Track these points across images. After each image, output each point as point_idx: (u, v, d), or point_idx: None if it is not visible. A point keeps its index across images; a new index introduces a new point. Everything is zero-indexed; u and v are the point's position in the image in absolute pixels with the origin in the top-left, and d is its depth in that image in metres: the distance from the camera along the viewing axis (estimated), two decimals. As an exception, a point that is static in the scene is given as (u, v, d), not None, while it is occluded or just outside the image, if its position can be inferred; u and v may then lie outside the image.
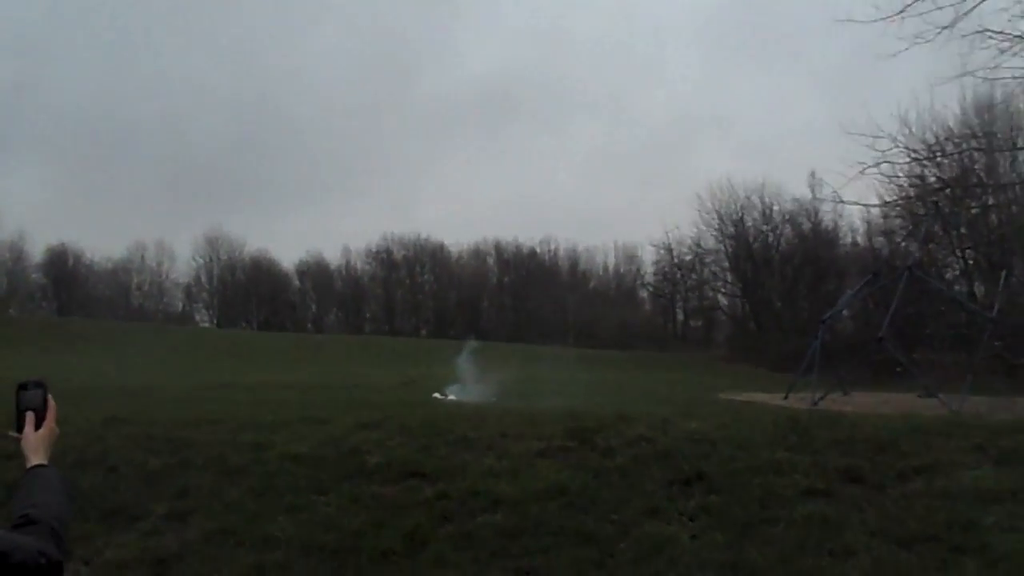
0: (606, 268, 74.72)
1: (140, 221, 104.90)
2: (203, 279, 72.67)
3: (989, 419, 9.92)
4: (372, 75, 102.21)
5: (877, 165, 19.90)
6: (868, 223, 48.60)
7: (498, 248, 73.91)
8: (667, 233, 63.68)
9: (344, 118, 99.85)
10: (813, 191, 51.35)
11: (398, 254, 73.31)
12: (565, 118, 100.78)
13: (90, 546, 6.41)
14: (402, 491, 7.21)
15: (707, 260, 61.30)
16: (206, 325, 71.23)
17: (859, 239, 52.52)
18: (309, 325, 72.09)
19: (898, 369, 24.18)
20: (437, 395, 20.50)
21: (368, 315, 74.78)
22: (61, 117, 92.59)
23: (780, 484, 6.89)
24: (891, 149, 20.99)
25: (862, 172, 19.58)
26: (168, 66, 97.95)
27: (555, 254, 74.34)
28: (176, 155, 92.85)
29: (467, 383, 21.88)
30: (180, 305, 74.04)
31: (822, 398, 20.72)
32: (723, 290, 62.54)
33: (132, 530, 6.75)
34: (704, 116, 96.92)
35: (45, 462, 2.10)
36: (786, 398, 21.56)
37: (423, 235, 73.40)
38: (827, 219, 54.18)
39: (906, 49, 14.94)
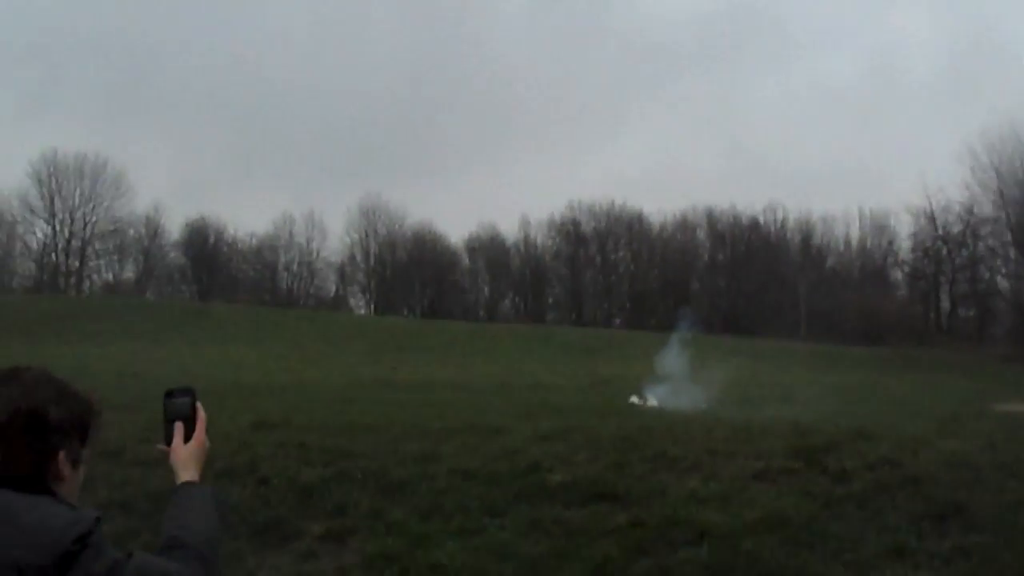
0: (848, 242, 72.57)
1: (288, 193, 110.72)
2: (358, 257, 75.74)
3: None
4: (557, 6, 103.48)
5: None
6: None
7: (711, 218, 73.07)
8: (929, 197, 61.32)
9: (523, 58, 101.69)
10: None
11: (587, 226, 73.87)
12: (796, 55, 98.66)
13: (240, 567, 7.01)
14: (589, 516, 7.46)
15: (983, 232, 59.05)
16: (362, 311, 74.23)
17: None
18: (481, 312, 73.71)
19: None
20: (634, 399, 20.70)
21: (551, 300, 75.90)
22: (201, 80, 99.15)
23: (1064, 524, 6.68)
24: None
25: None
26: (319, 25, 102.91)
27: (783, 225, 72.78)
28: (328, 119, 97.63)
29: (672, 385, 21.87)
30: (333, 288, 77.66)
31: None
32: (1003, 270, 59.82)
33: (286, 551, 7.32)
34: (982, 46, 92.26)
35: (196, 478, 2.33)
36: (1087, 410, 20.46)
37: (618, 202, 73.42)
38: None
39: None
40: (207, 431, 2.42)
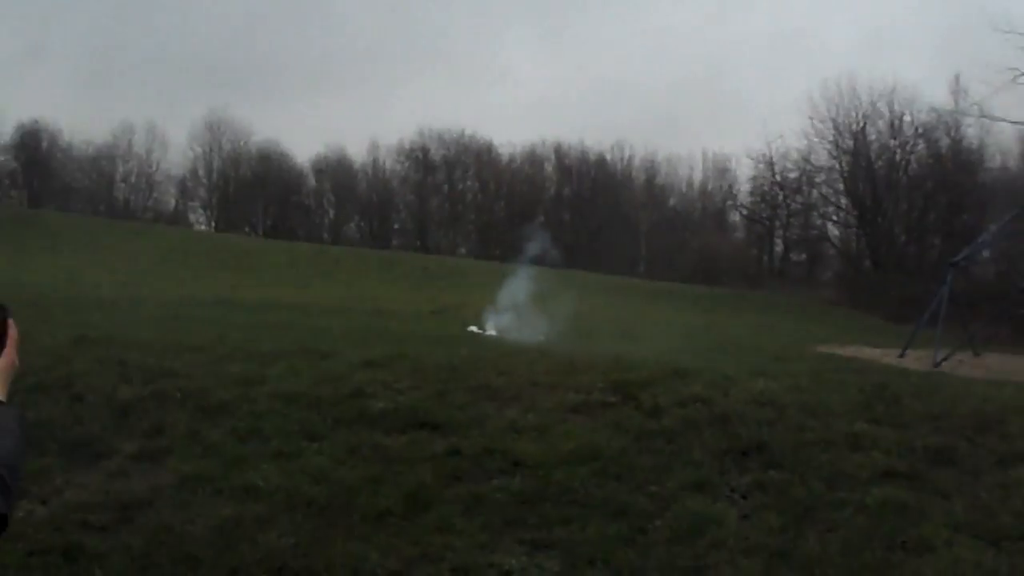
0: (691, 184, 74.53)
1: (129, 101, 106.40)
2: (200, 172, 73.90)
3: None
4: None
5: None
6: (1025, 143, 47.70)
7: (559, 152, 73.83)
8: (769, 144, 63.59)
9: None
10: (956, 100, 50.17)
11: (436, 153, 73.66)
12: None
13: (48, 484, 6.86)
14: (408, 443, 7.57)
15: (817, 180, 60.91)
16: (202, 227, 72.74)
17: (1011, 163, 51.49)
18: (325, 234, 73.02)
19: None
20: (473, 328, 20.95)
21: (397, 226, 75.62)
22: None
23: (855, 462, 7.10)
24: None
25: (1013, 80, 19.30)
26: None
27: (628, 163, 74.28)
28: (175, 30, 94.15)
29: (511, 316, 22.17)
30: (172, 202, 75.70)
31: (946, 358, 20.73)
32: (835, 218, 62.21)
33: (96, 469, 7.20)
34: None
35: (3, 398, 2.21)
36: (902, 355, 21.62)
37: (467, 132, 73.61)
38: (971, 136, 53.44)
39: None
40: (22, 346, 2.32)
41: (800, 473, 7.00)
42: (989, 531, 6.19)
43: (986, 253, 44.59)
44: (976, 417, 7.97)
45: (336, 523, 6.37)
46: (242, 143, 73.25)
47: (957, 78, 48.98)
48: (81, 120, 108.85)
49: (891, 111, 55.57)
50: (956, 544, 6.02)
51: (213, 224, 73.21)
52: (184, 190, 74.54)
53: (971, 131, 52.51)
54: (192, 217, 75.55)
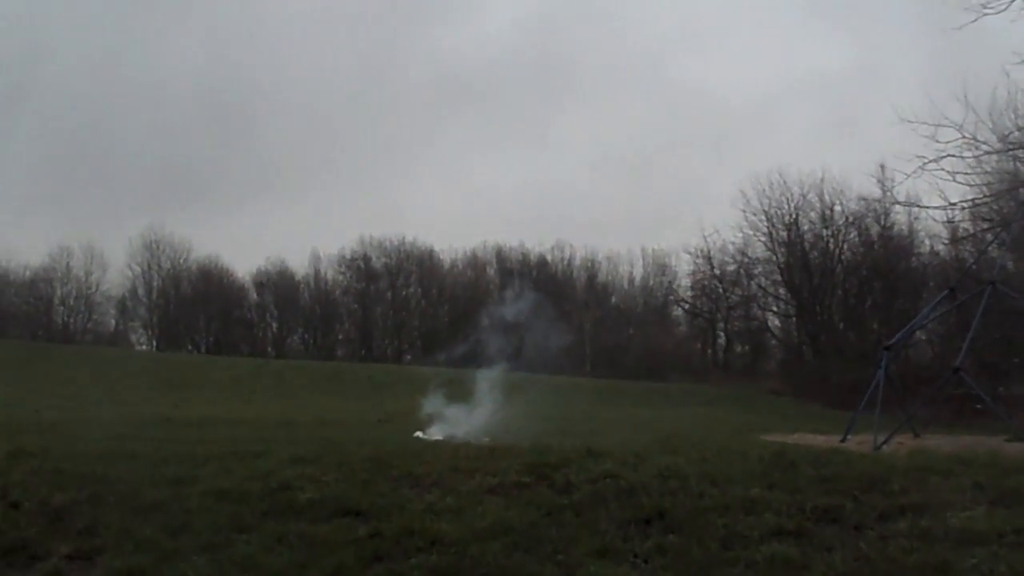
0: (632, 281, 75.55)
1: (64, 222, 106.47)
2: (140, 292, 73.70)
3: (1003, 457, 10.70)
4: (349, 46, 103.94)
5: (938, 160, 20.70)
6: (953, 227, 49.18)
7: (500, 255, 74.94)
8: (706, 238, 64.46)
9: (314, 101, 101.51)
10: (884, 188, 51.69)
11: (378, 262, 74.28)
12: (581, 100, 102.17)
13: (-16, 587, 7.28)
14: (333, 530, 8.07)
15: (755, 272, 62.12)
16: (143, 347, 72.29)
17: (940, 247, 53.00)
18: (269, 348, 73.06)
19: (978, 406, 24.56)
20: (420, 434, 21.27)
21: (341, 336, 75.72)
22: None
23: (747, 523, 7.73)
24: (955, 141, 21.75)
25: (922, 168, 20.40)
26: (100, 46, 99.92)
27: (569, 263, 75.39)
28: (110, 147, 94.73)
29: (457, 419, 22.50)
30: (112, 323, 75.25)
31: (886, 441, 21.13)
32: (774, 308, 63.55)
33: (32, 571, 7.61)
34: (750, 97, 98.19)
35: None
36: (844, 440, 21.98)
37: (408, 239, 74.27)
38: (900, 222, 55.00)
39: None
40: None
41: (697, 536, 7.60)
42: (866, 579, 6.82)
43: (922, 335, 45.75)
44: (863, 478, 8.66)
45: (262, 606, 6.83)
46: (182, 260, 73.63)
47: (882, 167, 50.51)
48: (16, 244, 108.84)
49: (822, 201, 57.39)
50: (836, 592, 6.63)
51: (154, 343, 72.90)
52: (124, 310, 74.39)
53: (900, 217, 54.13)
54: (133, 337, 75.24)
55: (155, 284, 73.34)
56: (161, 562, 7.55)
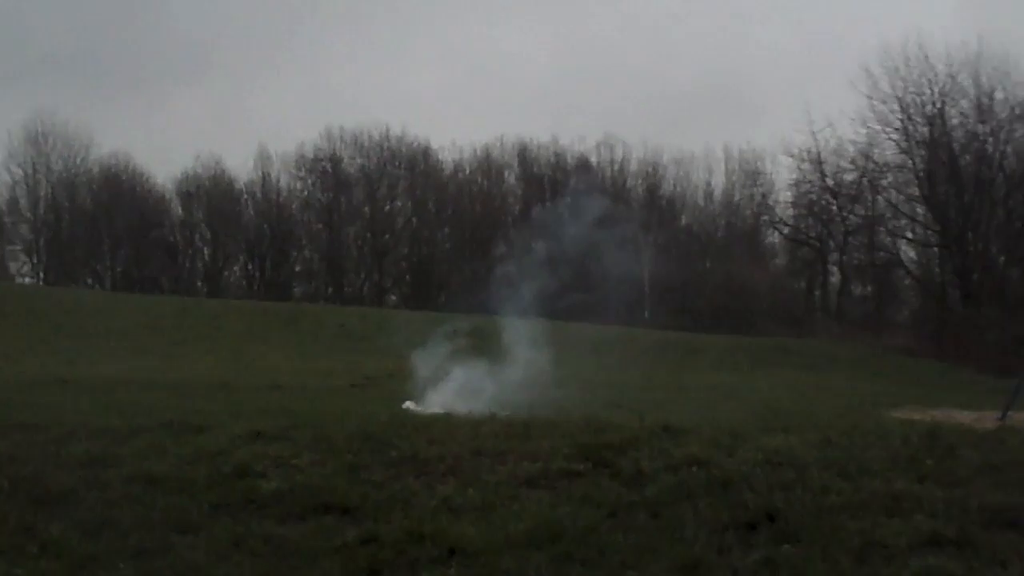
0: (709, 194, 74.61)
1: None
2: (22, 203, 73.27)
3: None
4: None
5: None
6: None
7: (523, 154, 73.75)
8: (815, 136, 63.32)
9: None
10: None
11: (351, 164, 73.60)
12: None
13: None
14: (309, 532, 8.04)
15: (883, 183, 61.41)
16: (26, 280, 72.23)
17: None
18: (199, 283, 73.16)
19: None
20: (410, 404, 21.09)
21: (299, 268, 75.51)
22: None
23: (892, 529, 7.65)
24: None
25: None
26: None
27: (622, 168, 74.18)
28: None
29: (464, 385, 22.21)
30: (-13, 248, 74.51)
31: (1059, 423, 20.88)
32: (909, 235, 62.77)
33: None
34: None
35: None
36: (1002, 418, 21.76)
37: (395, 132, 73.28)
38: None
39: None
40: None
41: (822, 546, 7.50)
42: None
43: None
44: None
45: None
46: (79, 160, 73.18)
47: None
48: None
49: (978, 86, 55.93)
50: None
51: (41, 275, 72.74)
52: (2, 230, 73.69)
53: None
54: (12, 266, 74.70)
55: (42, 193, 72.82)
56: (76, 570, 7.51)
